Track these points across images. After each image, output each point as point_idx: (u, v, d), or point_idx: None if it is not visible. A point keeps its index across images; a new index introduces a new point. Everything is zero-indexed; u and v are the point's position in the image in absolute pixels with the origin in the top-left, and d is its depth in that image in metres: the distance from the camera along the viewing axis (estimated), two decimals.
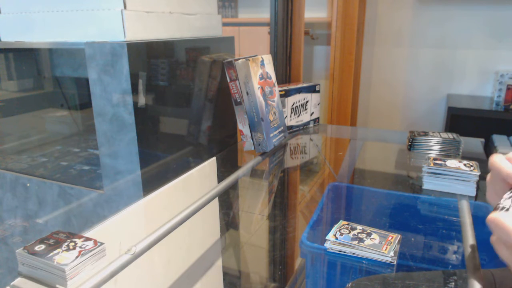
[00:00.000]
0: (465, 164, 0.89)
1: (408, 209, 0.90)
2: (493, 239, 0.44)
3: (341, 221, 0.75)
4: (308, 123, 1.41)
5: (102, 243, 0.55)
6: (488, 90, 2.29)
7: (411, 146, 1.15)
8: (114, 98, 0.80)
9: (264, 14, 2.65)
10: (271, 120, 1.10)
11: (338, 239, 0.68)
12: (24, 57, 1.24)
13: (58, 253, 0.52)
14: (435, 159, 0.94)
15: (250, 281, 1.04)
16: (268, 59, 1.13)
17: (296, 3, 1.63)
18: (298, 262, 0.98)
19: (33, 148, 1.22)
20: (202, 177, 1.00)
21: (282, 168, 1.17)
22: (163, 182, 0.87)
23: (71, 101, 1.31)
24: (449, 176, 0.88)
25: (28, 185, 0.99)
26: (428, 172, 0.91)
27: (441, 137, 1.12)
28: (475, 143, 1.26)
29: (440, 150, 1.12)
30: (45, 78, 1.28)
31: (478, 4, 2.20)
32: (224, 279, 1.00)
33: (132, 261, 0.57)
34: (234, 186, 0.94)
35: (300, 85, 1.36)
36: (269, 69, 1.13)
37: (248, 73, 1.02)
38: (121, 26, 0.79)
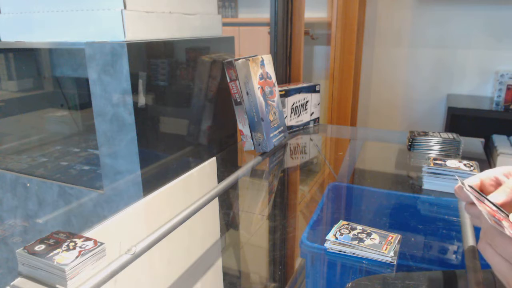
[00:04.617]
0: (465, 164, 0.90)
1: (408, 209, 0.90)
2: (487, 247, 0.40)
3: (341, 221, 0.75)
4: (308, 123, 1.41)
5: (102, 243, 0.55)
6: (488, 90, 2.28)
7: (411, 146, 1.15)
8: (114, 98, 0.80)
9: (264, 14, 2.65)
10: (271, 120, 1.10)
11: (338, 239, 0.68)
12: (24, 57, 1.24)
13: (58, 253, 0.52)
14: (435, 159, 0.94)
15: (250, 281, 1.04)
16: (268, 59, 1.13)
17: (296, 3, 1.63)
18: (298, 262, 0.98)
19: (33, 148, 1.22)
20: (202, 177, 1.00)
21: (282, 168, 1.17)
22: (163, 182, 0.87)
23: (71, 101, 1.31)
24: (449, 176, 0.88)
25: (28, 185, 0.99)
26: (428, 172, 0.91)
27: (441, 137, 1.12)
28: (475, 143, 1.26)
29: (440, 150, 1.12)
30: (45, 78, 1.28)
31: (478, 4, 2.19)
32: (224, 279, 1.00)
33: (132, 261, 0.57)
34: (234, 186, 0.94)
35: (300, 85, 1.36)
36: (269, 69, 1.13)
37: (248, 73, 1.02)
38: (121, 26, 0.79)
